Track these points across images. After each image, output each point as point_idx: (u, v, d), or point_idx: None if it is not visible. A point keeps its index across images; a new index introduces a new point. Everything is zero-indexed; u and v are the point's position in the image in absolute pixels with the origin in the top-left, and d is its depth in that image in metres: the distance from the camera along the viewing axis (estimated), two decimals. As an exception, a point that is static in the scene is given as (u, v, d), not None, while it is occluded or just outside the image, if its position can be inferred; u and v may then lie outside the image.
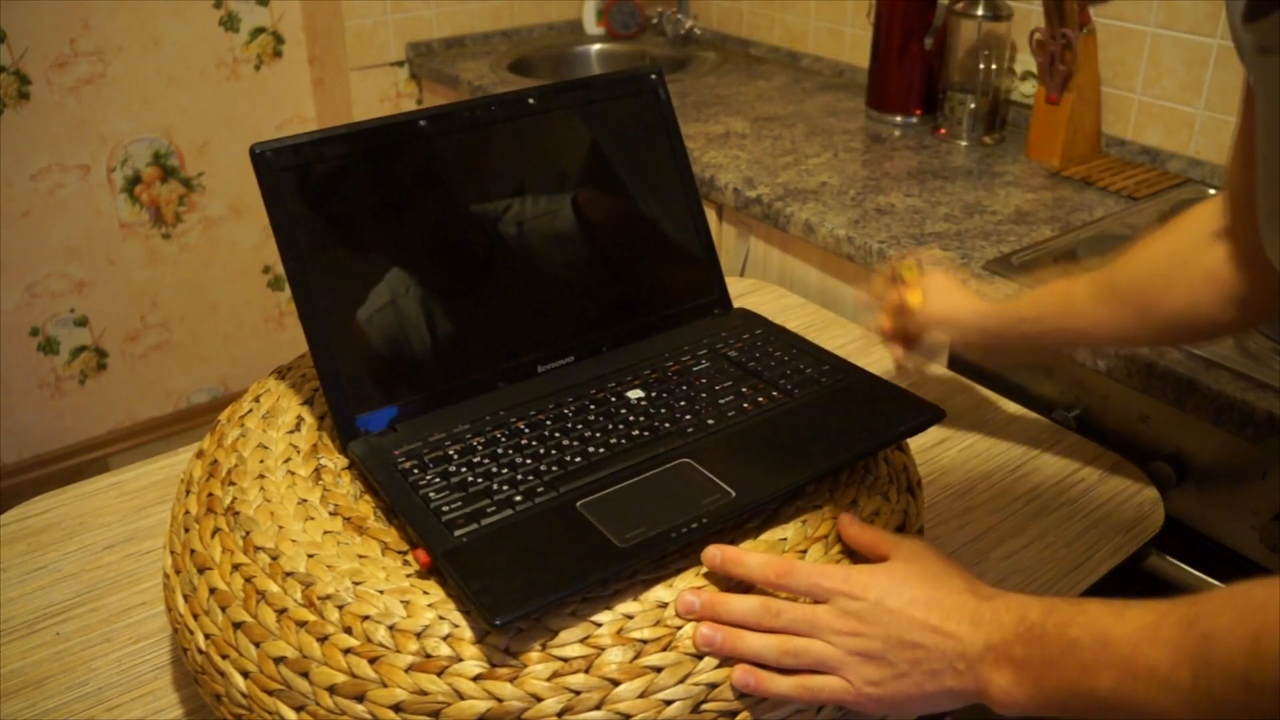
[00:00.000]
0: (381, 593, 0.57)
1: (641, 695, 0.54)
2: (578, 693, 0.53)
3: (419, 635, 0.55)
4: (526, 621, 0.55)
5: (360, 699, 0.54)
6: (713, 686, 0.55)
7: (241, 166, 2.19)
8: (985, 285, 1.14)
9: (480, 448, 0.67)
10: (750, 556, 0.58)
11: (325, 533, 0.63)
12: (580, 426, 0.69)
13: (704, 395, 0.73)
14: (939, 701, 0.55)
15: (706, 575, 0.59)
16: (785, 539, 0.62)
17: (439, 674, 0.54)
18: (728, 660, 0.56)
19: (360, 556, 0.61)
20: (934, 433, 0.94)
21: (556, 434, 0.69)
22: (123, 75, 2.05)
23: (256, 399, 0.76)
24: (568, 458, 0.66)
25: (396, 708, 0.53)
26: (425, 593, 0.58)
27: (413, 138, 0.73)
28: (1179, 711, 0.46)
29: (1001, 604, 0.54)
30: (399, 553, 0.62)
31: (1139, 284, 0.76)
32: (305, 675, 0.55)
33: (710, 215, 1.48)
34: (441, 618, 0.56)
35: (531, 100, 0.77)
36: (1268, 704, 0.43)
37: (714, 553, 0.58)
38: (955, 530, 0.83)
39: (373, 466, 0.66)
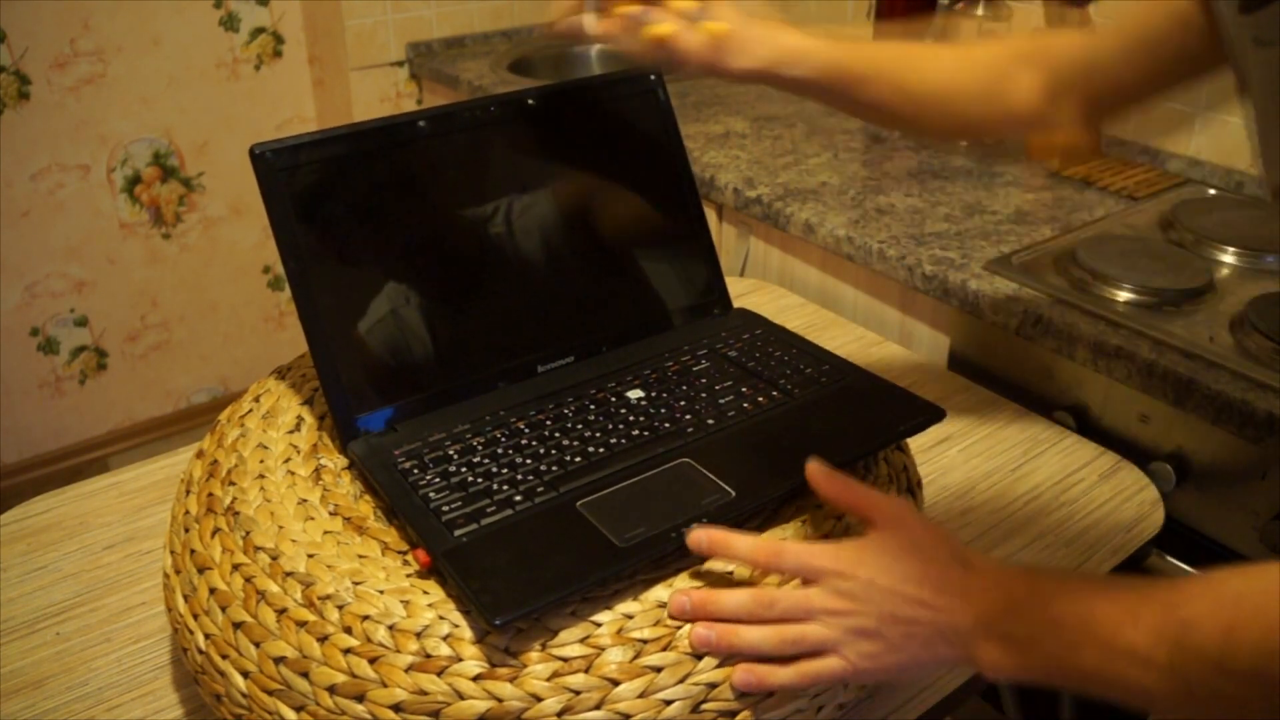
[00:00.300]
0: (381, 593, 0.57)
1: (641, 695, 0.54)
2: (578, 692, 0.53)
3: (419, 635, 0.55)
4: (526, 621, 0.55)
5: (360, 699, 0.54)
6: (712, 686, 0.55)
7: (241, 166, 2.19)
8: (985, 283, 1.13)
9: (480, 448, 0.67)
10: (739, 540, 0.58)
11: (325, 533, 0.63)
12: (580, 426, 0.69)
13: (704, 395, 0.73)
14: (933, 668, 0.58)
15: (704, 575, 0.59)
16: (785, 539, 0.62)
17: (439, 674, 0.54)
18: (727, 660, 0.56)
19: (360, 556, 0.61)
20: (934, 432, 0.94)
21: (556, 434, 0.69)
22: (123, 75, 2.05)
23: (256, 399, 0.76)
24: (568, 457, 0.66)
25: (396, 708, 0.53)
26: (425, 593, 0.58)
27: (412, 138, 0.73)
28: (1157, 688, 0.48)
29: (990, 578, 0.56)
30: (399, 553, 0.62)
31: (944, 97, 0.78)
32: (305, 675, 0.55)
33: (710, 215, 1.48)
34: (441, 618, 0.56)
35: (531, 101, 0.77)
36: (1240, 689, 0.45)
37: (700, 536, 0.58)
38: (955, 530, 0.83)
39: (373, 466, 0.66)
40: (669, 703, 0.54)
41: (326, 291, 0.69)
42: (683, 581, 0.59)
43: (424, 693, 0.53)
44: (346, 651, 0.55)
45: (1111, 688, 0.50)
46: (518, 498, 0.62)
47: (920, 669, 0.57)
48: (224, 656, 0.58)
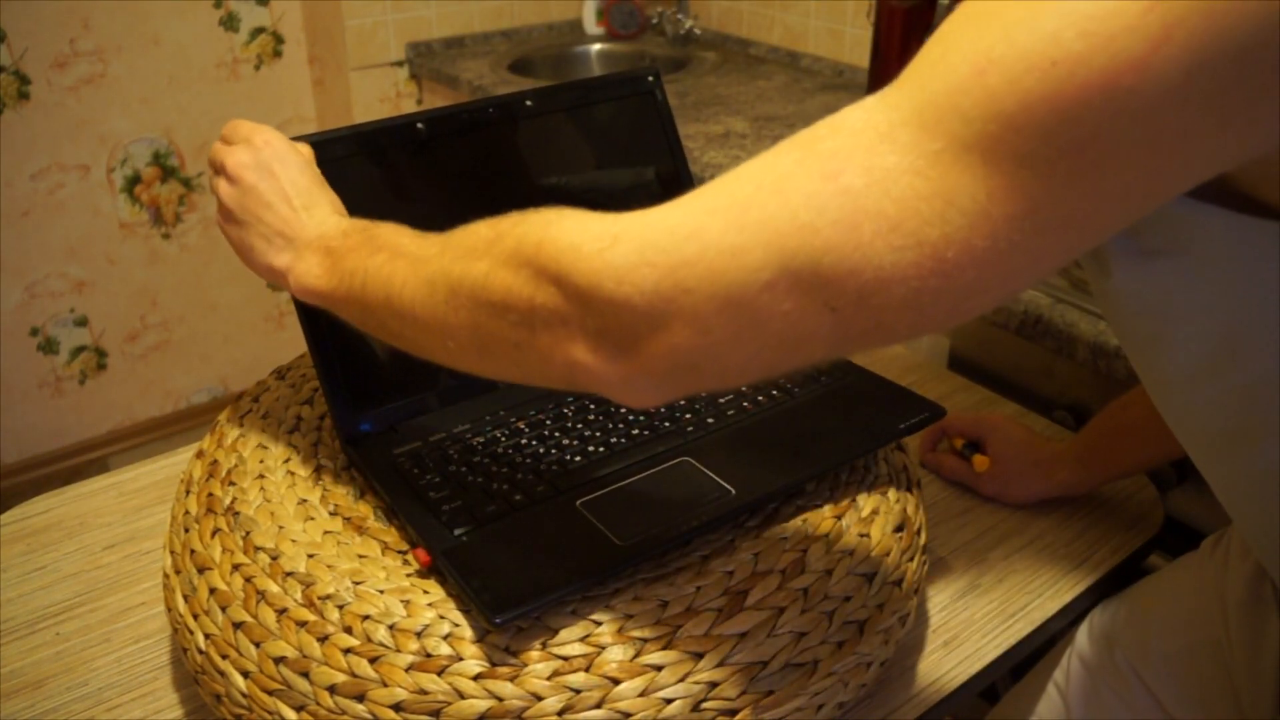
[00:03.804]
0: (381, 592, 0.57)
1: (642, 694, 0.54)
2: (578, 691, 0.53)
3: (419, 635, 0.55)
4: (526, 620, 0.55)
5: (360, 699, 0.54)
6: (713, 685, 0.55)
7: (241, 166, 2.18)
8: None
9: (480, 447, 0.67)
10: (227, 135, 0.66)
11: (325, 533, 0.63)
12: (580, 426, 0.69)
13: (703, 393, 0.73)
14: (264, 270, 0.63)
15: (707, 573, 0.59)
16: (786, 538, 0.62)
17: (439, 673, 0.54)
18: (727, 660, 0.56)
19: (360, 556, 0.61)
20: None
21: (556, 433, 0.69)
22: (123, 75, 2.05)
23: (256, 399, 0.76)
24: (567, 457, 0.66)
25: (397, 707, 0.53)
26: (425, 592, 0.58)
27: (411, 140, 0.73)
28: (416, 275, 0.52)
29: (350, 221, 0.62)
30: (399, 552, 0.62)
31: None
32: (305, 675, 0.55)
33: (710, 215, 1.48)
34: (442, 617, 0.56)
35: (529, 102, 0.77)
36: (479, 274, 0.48)
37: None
38: (955, 530, 0.83)
39: (373, 466, 0.66)
40: (669, 701, 0.54)
41: (326, 291, 0.69)
42: (684, 580, 0.59)
43: (424, 692, 0.53)
44: (347, 651, 0.55)
45: (380, 287, 0.54)
46: (518, 497, 0.62)
47: (254, 258, 0.64)
48: (224, 656, 0.58)
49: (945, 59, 0.37)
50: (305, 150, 0.67)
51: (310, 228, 0.62)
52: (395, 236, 0.56)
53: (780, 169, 0.40)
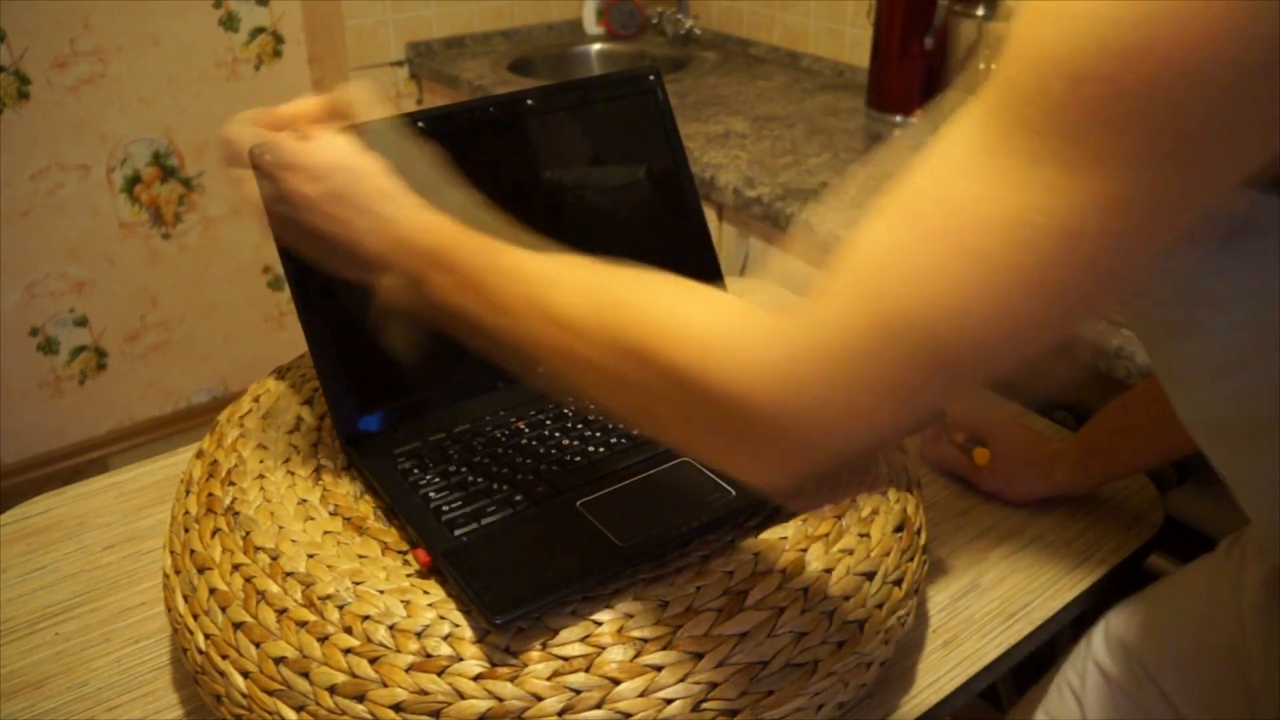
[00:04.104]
0: (381, 593, 0.57)
1: (642, 694, 0.54)
2: (578, 692, 0.53)
3: (419, 635, 0.55)
4: (527, 620, 0.55)
5: (360, 699, 0.54)
6: (713, 685, 0.55)
7: (241, 166, 2.18)
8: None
9: (480, 447, 0.67)
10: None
11: (325, 533, 0.63)
12: (580, 426, 0.69)
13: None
14: (354, 273, 0.61)
15: (707, 573, 0.59)
16: (785, 538, 0.62)
17: (439, 674, 0.54)
18: (727, 660, 0.56)
19: (360, 556, 0.61)
20: (934, 432, 0.93)
21: (556, 434, 0.69)
22: (123, 75, 2.05)
23: (256, 399, 0.76)
24: (567, 457, 0.66)
25: (397, 708, 0.53)
26: (425, 592, 0.58)
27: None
28: (521, 335, 0.51)
29: (437, 242, 0.57)
30: (399, 553, 0.62)
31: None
32: (305, 675, 0.55)
33: (710, 215, 1.48)
34: (442, 617, 0.56)
35: (530, 101, 0.77)
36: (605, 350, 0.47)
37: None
38: (955, 530, 0.83)
39: (372, 466, 0.66)
40: (669, 701, 0.54)
41: (325, 291, 0.69)
42: (684, 580, 0.59)
43: (424, 692, 0.53)
44: (347, 651, 0.55)
45: (481, 328, 0.53)
46: (518, 497, 0.62)
47: (346, 272, 0.61)
48: (224, 657, 0.58)
49: (1008, 71, 0.36)
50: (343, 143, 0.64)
51: (375, 243, 0.59)
52: (488, 277, 0.54)
53: (879, 241, 0.42)
